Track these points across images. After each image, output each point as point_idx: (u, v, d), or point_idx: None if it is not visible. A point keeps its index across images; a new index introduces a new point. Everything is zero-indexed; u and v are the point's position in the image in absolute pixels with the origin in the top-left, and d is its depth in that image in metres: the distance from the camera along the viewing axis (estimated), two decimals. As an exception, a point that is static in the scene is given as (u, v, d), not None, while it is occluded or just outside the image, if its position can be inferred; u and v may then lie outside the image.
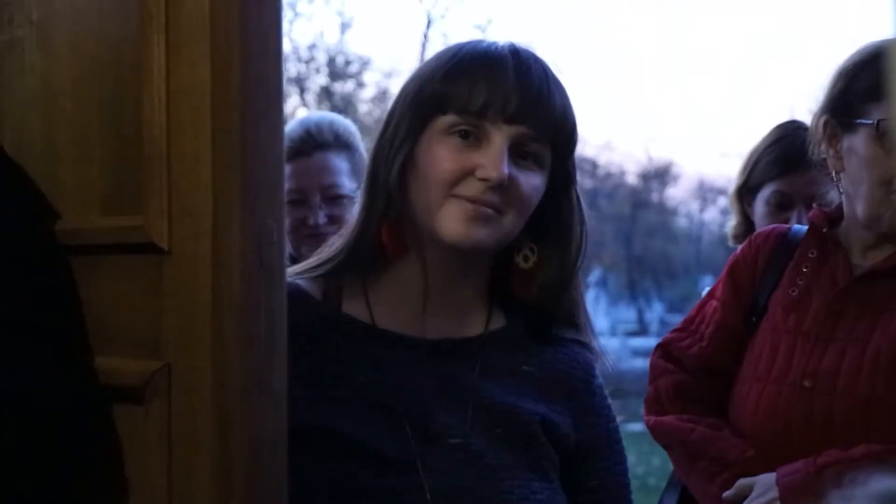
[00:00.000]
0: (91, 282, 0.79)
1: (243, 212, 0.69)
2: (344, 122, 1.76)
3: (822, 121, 1.24)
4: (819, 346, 1.17)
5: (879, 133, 1.15)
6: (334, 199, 1.63)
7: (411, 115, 0.86)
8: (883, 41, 1.20)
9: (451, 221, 0.82)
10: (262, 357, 0.70)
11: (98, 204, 0.79)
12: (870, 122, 1.16)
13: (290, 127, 1.67)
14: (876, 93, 1.16)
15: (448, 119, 0.84)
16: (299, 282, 0.90)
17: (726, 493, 1.15)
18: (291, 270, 0.90)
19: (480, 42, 0.88)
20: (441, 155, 0.83)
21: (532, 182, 0.85)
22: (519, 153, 0.84)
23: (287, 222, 1.63)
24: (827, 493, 0.92)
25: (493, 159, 0.82)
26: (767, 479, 1.11)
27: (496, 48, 0.86)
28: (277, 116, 0.73)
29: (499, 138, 0.82)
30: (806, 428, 1.14)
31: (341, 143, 1.66)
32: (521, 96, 0.83)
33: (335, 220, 1.59)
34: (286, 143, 1.63)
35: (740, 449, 1.17)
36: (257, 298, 0.70)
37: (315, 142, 1.64)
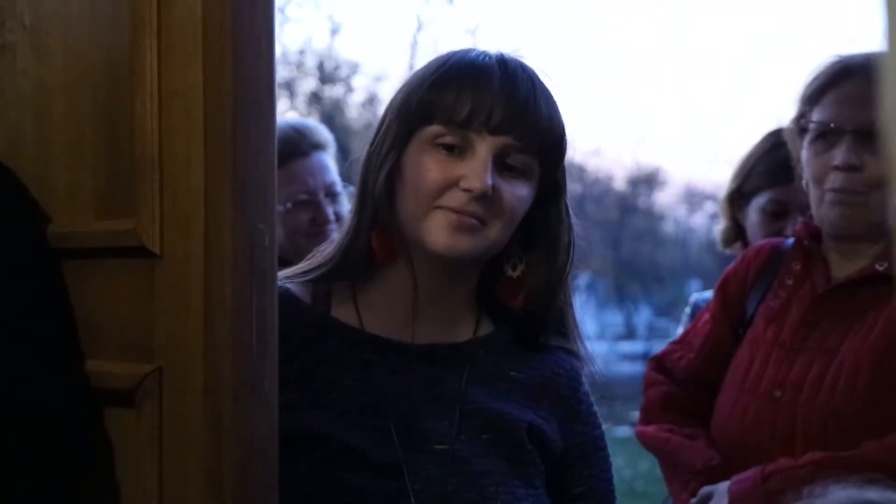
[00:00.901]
0: (83, 285, 0.79)
1: (235, 216, 0.70)
2: (319, 124, 1.83)
3: (792, 129, 1.28)
4: (790, 357, 1.20)
5: (812, 137, 1.20)
6: (335, 196, 1.67)
7: (398, 125, 0.87)
8: (845, 55, 1.24)
9: (436, 231, 0.83)
10: (253, 360, 0.70)
11: (90, 207, 0.79)
12: (802, 125, 1.21)
13: (278, 129, 1.70)
14: (814, 98, 1.21)
15: (433, 129, 0.85)
16: (289, 285, 0.90)
17: (691, 500, 1.18)
18: (281, 274, 0.91)
19: (469, 51, 0.89)
20: (426, 165, 0.84)
21: (517, 192, 0.85)
22: (505, 164, 0.85)
23: (293, 225, 1.65)
24: (774, 499, 0.96)
25: (476, 170, 0.82)
26: (724, 486, 1.14)
27: (483, 58, 0.87)
28: (269, 120, 0.73)
29: (483, 149, 0.83)
30: (771, 438, 1.16)
31: (328, 143, 1.72)
32: (506, 107, 0.83)
33: (338, 218, 1.63)
34: (280, 145, 1.67)
35: (707, 457, 1.20)
36: (249, 302, 0.70)
37: (310, 142, 1.68)
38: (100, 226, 0.78)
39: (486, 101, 0.83)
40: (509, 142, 0.84)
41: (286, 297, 0.87)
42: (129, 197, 0.74)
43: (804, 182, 1.26)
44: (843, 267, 1.22)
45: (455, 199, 0.83)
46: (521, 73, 0.86)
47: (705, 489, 1.16)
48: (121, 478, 0.75)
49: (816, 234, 1.27)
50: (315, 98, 13.11)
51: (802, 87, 1.25)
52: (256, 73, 0.72)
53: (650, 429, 1.28)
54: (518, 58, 0.89)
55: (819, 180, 1.19)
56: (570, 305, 0.93)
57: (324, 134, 1.73)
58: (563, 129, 0.89)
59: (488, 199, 0.83)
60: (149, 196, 0.73)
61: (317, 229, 1.63)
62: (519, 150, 0.85)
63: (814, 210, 1.22)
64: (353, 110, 13.51)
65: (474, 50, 0.89)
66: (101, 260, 0.78)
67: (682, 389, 1.30)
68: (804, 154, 1.22)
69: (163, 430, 0.72)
